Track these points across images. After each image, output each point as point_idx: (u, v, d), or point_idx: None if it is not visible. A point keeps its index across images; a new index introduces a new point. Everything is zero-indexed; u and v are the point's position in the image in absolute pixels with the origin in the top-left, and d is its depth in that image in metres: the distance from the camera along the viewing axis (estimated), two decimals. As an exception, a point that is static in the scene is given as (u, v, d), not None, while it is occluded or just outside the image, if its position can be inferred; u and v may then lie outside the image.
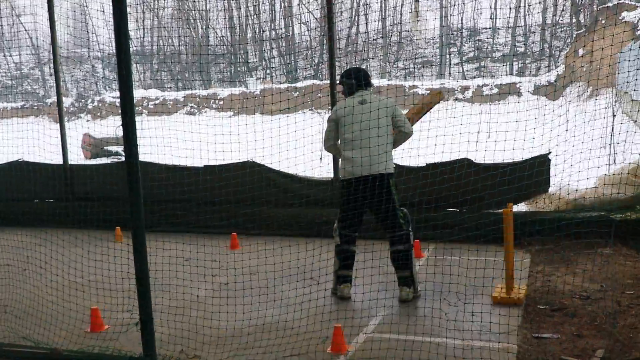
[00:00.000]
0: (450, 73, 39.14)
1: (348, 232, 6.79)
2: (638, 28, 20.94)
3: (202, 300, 6.68)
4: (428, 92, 7.38)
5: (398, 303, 6.51)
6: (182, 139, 10.30)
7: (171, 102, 37.30)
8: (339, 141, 6.84)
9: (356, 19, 42.95)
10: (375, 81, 33.63)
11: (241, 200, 9.96)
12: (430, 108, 7.24)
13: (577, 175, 7.73)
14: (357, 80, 6.87)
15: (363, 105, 6.68)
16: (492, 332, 5.44)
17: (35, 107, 41.20)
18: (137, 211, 4.96)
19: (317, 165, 7.37)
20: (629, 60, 14.11)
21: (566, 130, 8.09)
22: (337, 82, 7.18)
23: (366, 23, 43.13)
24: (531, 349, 5.12)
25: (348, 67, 7.07)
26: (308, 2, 39.59)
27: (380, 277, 6.62)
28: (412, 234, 6.73)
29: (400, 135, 6.72)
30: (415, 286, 6.68)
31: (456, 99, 31.18)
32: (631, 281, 6.75)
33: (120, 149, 21.81)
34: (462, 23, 40.70)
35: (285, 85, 35.90)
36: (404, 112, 6.96)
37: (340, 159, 6.95)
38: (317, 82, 34.03)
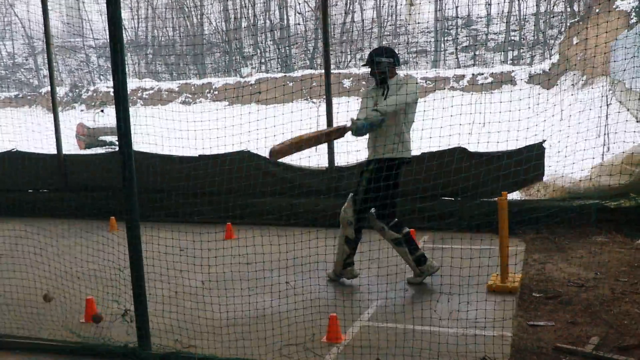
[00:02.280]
0: (445, 62, 39.07)
1: (364, 224, 6.85)
2: (632, 16, 20.92)
3: (197, 290, 6.67)
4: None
5: (393, 292, 6.51)
6: (176, 128, 10.26)
7: (166, 92, 37.18)
8: (403, 124, 6.64)
9: (351, 7, 42.80)
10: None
11: (236, 190, 9.94)
12: (322, 142, 7.03)
13: (571, 163, 7.75)
14: (396, 60, 6.76)
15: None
16: (487, 320, 5.46)
17: (29, 97, 41.06)
18: (131, 201, 4.95)
19: (313, 154, 7.36)
20: (625, 48, 14.10)
21: (560, 119, 8.09)
22: (364, 63, 6.90)
23: (361, 12, 43.01)
24: (526, 337, 5.14)
25: (379, 47, 6.83)
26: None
27: (375, 266, 6.62)
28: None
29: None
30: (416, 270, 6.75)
31: (451, 88, 31.15)
32: (625, 269, 6.77)
33: (114, 138, 21.74)
34: (456, 12, 40.62)
35: (281, 74, 35.80)
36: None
37: (390, 138, 6.61)
38: (312, 71, 33.94)
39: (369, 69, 6.88)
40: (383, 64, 6.66)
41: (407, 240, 6.74)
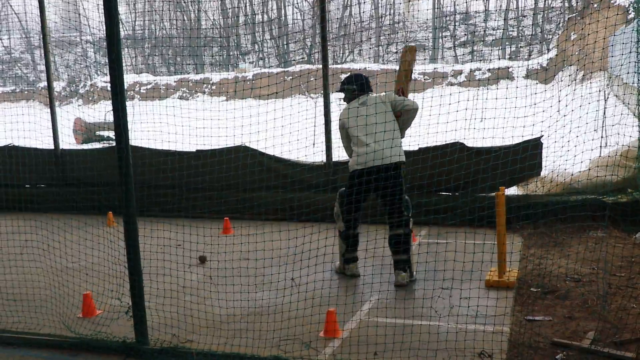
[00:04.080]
0: (443, 57, 39.07)
1: (354, 215, 6.91)
2: (630, 12, 20.91)
3: (195, 285, 6.67)
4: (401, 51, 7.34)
5: (391, 287, 6.52)
6: (174, 123, 10.23)
7: (163, 87, 37.14)
8: (351, 143, 6.93)
9: (349, 2, 42.74)
10: (368, 65, 33.58)
11: (234, 185, 9.94)
12: (412, 67, 7.22)
13: (569, 158, 7.74)
14: (358, 86, 7.02)
15: (364, 106, 6.84)
16: (485, 315, 5.46)
17: (26, 92, 40.97)
18: (128, 196, 4.95)
19: (310, 149, 7.36)
20: (623, 44, 14.09)
21: (558, 114, 8.07)
22: (338, 89, 7.27)
23: (359, 6, 42.96)
24: (523, 332, 5.15)
25: (349, 75, 7.21)
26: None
27: (373, 261, 6.62)
28: (412, 220, 6.78)
29: (408, 113, 6.83)
30: (411, 270, 6.71)
31: (449, 83, 31.15)
32: (622, 263, 6.78)
33: (111, 133, 21.67)
34: (454, 7, 40.59)
35: (278, 69, 35.75)
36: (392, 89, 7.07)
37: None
38: (309, 66, 33.90)
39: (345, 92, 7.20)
40: (349, 91, 7.08)
41: (352, 242, 7.01)
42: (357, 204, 6.85)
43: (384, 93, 6.92)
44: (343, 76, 7.76)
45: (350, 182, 6.85)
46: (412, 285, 6.64)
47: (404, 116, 6.84)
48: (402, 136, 6.93)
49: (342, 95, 7.25)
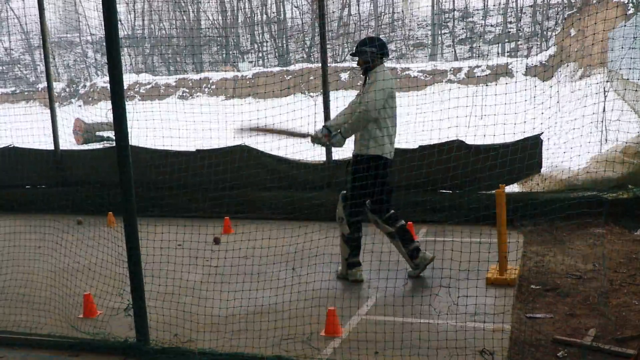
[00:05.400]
0: (442, 54, 39.03)
1: (360, 218, 6.76)
2: (629, 7, 20.90)
3: (195, 285, 6.67)
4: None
5: (391, 285, 6.51)
6: (174, 123, 10.24)
7: (163, 87, 37.12)
8: (380, 114, 6.46)
9: (348, 0, 42.72)
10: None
11: (234, 185, 9.93)
12: (283, 136, 7.10)
13: (569, 155, 7.74)
14: (379, 47, 6.58)
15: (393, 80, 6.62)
16: (486, 312, 5.46)
17: (26, 93, 40.94)
18: (128, 196, 4.95)
19: (310, 148, 7.35)
20: (623, 38, 14.08)
21: (558, 111, 8.09)
22: (352, 52, 6.83)
23: (358, 5, 42.94)
24: (524, 329, 5.15)
25: (363, 38, 6.79)
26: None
27: (373, 259, 6.62)
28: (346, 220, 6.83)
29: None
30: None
31: (449, 81, 31.13)
32: (623, 260, 6.78)
33: (111, 134, 21.67)
34: (454, 4, 40.57)
35: (278, 68, 35.74)
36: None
37: (372, 134, 6.51)
38: (309, 65, 33.89)
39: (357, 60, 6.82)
40: (366, 54, 6.58)
41: (401, 233, 6.71)
42: (384, 194, 6.61)
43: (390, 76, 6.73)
44: (342, 75, 7.70)
45: (376, 172, 6.50)
46: (413, 283, 6.64)
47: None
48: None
49: (355, 61, 6.87)
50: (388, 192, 6.72)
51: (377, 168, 6.49)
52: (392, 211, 6.74)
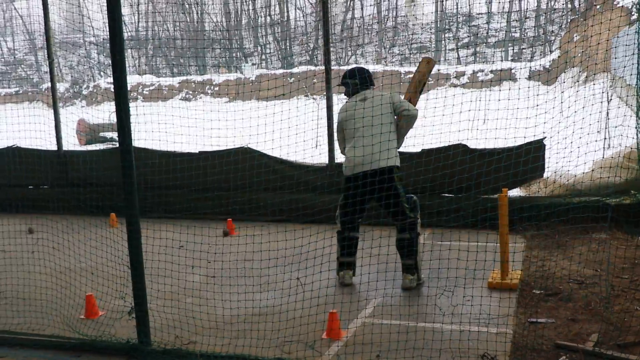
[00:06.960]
0: (445, 58, 39.02)
1: (350, 219, 6.81)
2: (633, 13, 20.89)
3: (197, 286, 6.67)
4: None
5: (394, 288, 6.52)
6: (177, 124, 10.26)
7: (166, 88, 37.14)
8: (346, 143, 6.89)
9: (351, 4, 42.72)
10: (371, 67, 33.52)
11: (236, 187, 9.93)
12: (426, 80, 7.18)
13: (572, 160, 7.73)
14: (360, 80, 6.91)
15: (364, 102, 6.72)
16: (488, 317, 5.46)
17: (30, 93, 40.98)
18: (131, 197, 4.96)
19: (313, 151, 7.36)
20: (626, 45, 14.08)
21: (561, 116, 8.07)
22: (339, 83, 7.18)
23: (362, 8, 42.94)
24: (526, 334, 5.14)
25: (351, 68, 7.14)
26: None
27: (377, 262, 6.62)
28: (420, 222, 6.73)
29: (407, 119, 6.70)
30: (418, 274, 6.68)
31: (452, 85, 31.12)
32: (626, 266, 6.77)
33: (115, 135, 21.62)
34: (457, 8, 40.56)
35: (281, 71, 35.74)
36: (402, 95, 6.98)
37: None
38: (312, 67, 33.89)
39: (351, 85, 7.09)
40: (350, 85, 7.02)
41: (346, 245, 6.87)
42: (352, 208, 6.75)
43: (389, 94, 6.85)
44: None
45: (344, 186, 6.87)
46: (416, 287, 6.63)
47: (401, 121, 6.73)
48: (400, 143, 6.84)
49: (343, 90, 7.17)
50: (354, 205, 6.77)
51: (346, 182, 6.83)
52: (409, 219, 6.71)
